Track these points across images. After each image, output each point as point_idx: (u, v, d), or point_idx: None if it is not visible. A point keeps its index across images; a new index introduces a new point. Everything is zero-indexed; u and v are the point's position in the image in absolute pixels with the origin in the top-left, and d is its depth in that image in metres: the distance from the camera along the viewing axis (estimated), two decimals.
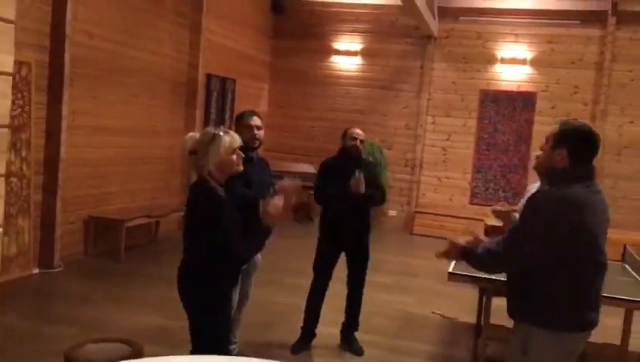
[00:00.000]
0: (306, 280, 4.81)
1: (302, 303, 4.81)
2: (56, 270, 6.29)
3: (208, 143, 2.84)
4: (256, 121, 3.98)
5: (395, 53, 10.84)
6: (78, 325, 4.75)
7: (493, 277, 4.14)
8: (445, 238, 3.10)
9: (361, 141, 4.68)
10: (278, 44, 11.39)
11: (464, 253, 2.85)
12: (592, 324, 2.66)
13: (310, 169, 10.90)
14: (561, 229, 2.48)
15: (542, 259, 2.54)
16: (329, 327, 4.85)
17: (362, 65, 11.06)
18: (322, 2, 11.10)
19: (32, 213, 6.10)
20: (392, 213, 10.79)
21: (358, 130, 4.71)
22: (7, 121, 1.70)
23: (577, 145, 2.56)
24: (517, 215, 3.80)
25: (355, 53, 11.06)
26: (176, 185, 8.80)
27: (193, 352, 2.92)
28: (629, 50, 9.70)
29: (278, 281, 6.38)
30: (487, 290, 4.30)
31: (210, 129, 2.93)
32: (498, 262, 2.73)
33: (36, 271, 6.19)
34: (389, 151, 10.71)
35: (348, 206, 4.53)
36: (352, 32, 11.07)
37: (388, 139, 10.82)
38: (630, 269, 4.79)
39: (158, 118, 8.22)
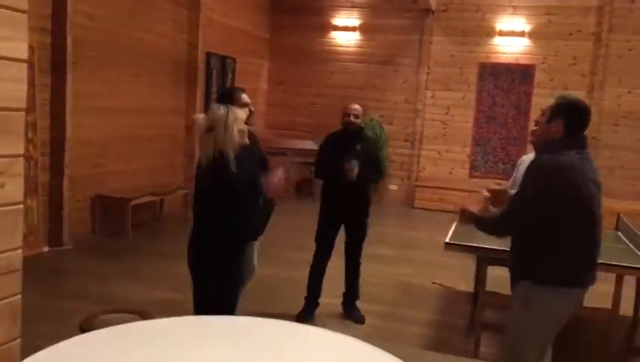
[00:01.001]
0: (306, 255, 4.95)
1: (302, 276, 4.98)
2: (65, 248, 6.46)
3: (226, 117, 2.93)
4: (247, 98, 4.00)
5: (394, 27, 10.86)
6: (90, 299, 4.93)
7: (489, 247, 4.30)
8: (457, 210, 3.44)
9: (356, 116, 4.77)
10: (277, 20, 11.42)
11: (474, 219, 3.13)
12: (588, 281, 2.86)
13: (311, 145, 10.98)
14: (557, 190, 2.69)
15: (542, 220, 2.74)
16: (331, 298, 5.01)
17: (361, 40, 11.09)
18: None
19: (39, 193, 6.26)
20: (392, 187, 10.93)
21: (353, 106, 4.82)
22: (23, 104, 1.83)
23: (573, 116, 2.78)
24: (512, 191, 3.97)
25: (353, 29, 11.09)
26: (178, 163, 8.93)
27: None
28: (627, 20, 9.72)
29: (278, 256, 6.53)
30: (483, 259, 4.44)
31: (218, 105, 3.02)
32: (500, 226, 3.02)
33: (46, 249, 6.36)
34: (389, 126, 10.80)
35: (345, 182, 4.67)
36: (350, 7, 11.09)
37: (388, 114, 10.90)
38: (623, 237, 4.93)
39: (160, 97, 8.32)
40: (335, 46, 11.22)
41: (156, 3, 8.04)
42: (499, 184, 4.13)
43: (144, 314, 3.42)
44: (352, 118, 4.75)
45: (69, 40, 6.27)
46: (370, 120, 10.44)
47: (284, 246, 6.87)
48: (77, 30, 6.43)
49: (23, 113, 1.81)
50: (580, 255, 2.82)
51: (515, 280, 3.03)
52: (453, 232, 4.77)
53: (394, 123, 10.92)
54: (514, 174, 4.55)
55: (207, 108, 9.14)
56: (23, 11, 1.77)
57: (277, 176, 3.06)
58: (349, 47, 11.16)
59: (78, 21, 6.47)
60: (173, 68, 8.58)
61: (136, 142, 7.85)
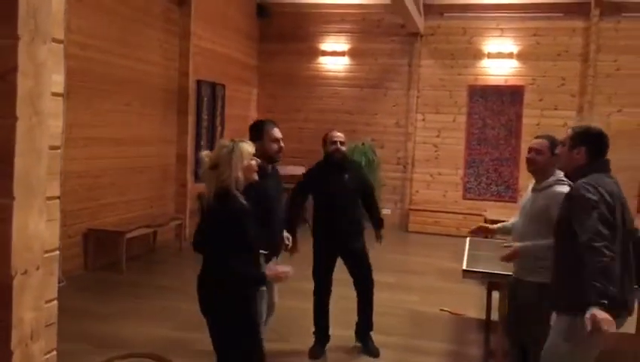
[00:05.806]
0: (310, 284, 4.77)
1: (307, 306, 4.81)
2: (59, 285, 6.16)
3: (230, 154, 2.89)
4: (279, 132, 3.77)
5: (382, 51, 10.87)
6: (90, 341, 4.69)
7: (505, 273, 4.18)
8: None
9: (342, 143, 4.58)
10: (265, 47, 11.36)
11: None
12: (632, 306, 2.86)
13: (301, 170, 10.89)
14: (610, 213, 2.71)
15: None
16: (344, 329, 4.85)
17: (350, 65, 11.07)
18: (307, 4, 11.08)
19: None
20: (385, 211, 10.81)
21: (337, 133, 4.62)
22: (59, 142, 1.68)
23: (593, 142, 2.92)
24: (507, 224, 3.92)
25: (342, 54, 11.06)
26: (170, 193, 8.74)
27: None
28: (614, 40, 9.83)
29: (282, 286, 6.33)
30: (500, 286, 4.33)
31: (225, 141, 2.99)
32: (597, 266, 2.60)
33: None
34: (380, 150, 10.72)
35: (337, 210, 4.53)
36: (338, 32, 11.07)
37: (379, 138, 10.84)
38: None
39: (151, 127, 8.15)
40: (324, 71, 11.18)
41: (148, 32, 7.91)
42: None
43: (161, 360, 3.22)
44: (338, 145, 4.55)
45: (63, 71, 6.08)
46: (362, 144, 10.38)
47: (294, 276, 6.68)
48: (69, 60, 6.25)
49: (60, 151, 1.66)
50: (624, 280, 2.73)
51: (553, 310, 2.92)
52: (468, 258, 4.67)
53: (385, 146, 10.85)
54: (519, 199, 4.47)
55: (197, 137, 9.08)
56: (60, 41, 1.64)
57: (282, 272, 3.06)
58: (338, 71, 11.12)
59: (71, 51, 6.29)
60: (165, 96, 8.43)
61: (127, 174, 7.64)
